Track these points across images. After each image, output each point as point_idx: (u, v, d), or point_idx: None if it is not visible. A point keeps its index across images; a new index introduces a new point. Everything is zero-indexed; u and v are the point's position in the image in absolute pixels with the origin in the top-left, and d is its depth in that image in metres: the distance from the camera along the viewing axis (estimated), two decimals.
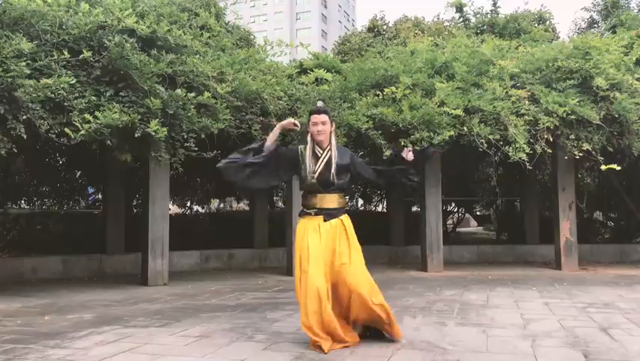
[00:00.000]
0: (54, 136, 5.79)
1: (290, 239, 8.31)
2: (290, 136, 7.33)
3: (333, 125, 4.08)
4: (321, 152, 3.96)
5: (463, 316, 5.11)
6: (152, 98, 6.07)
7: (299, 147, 4.08)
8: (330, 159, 3.92)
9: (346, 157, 4.04)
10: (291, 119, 4.05)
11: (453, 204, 14.32)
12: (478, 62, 8.76)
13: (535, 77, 8.43)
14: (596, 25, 14.26)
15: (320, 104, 4.26)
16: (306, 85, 8.32)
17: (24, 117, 5.52)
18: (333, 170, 3.89)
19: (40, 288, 7.30)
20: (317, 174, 3.89)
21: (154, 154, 6.44)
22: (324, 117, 3.97)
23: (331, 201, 3.92)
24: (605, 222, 13.45)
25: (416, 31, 15.05)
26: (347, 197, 4.11)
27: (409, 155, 4.06)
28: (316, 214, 3.91)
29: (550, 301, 5.99)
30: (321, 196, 3.92)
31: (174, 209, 13.02)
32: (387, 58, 9.65)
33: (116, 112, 5.80)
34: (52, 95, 5.58)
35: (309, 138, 3.99)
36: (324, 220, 3.88)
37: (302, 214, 4.01)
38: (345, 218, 3.97)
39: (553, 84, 8.28)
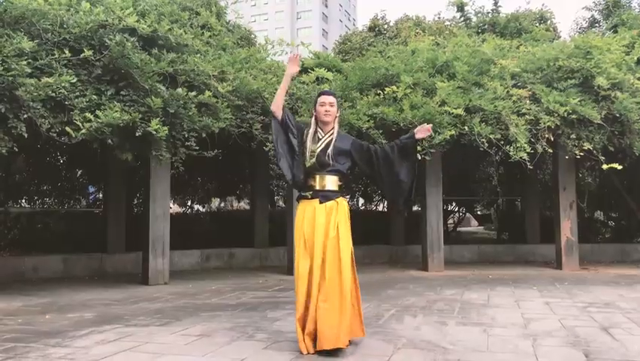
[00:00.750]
0: (55, 135, 5.79)
1: (291, 239, 8.31)
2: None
3: (339, 111, 4.05)
4: (323, 135, 3.92)
5: (463, 315, 5.11)
6: (153, 97, 6.07)
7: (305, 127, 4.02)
8: (330, 142, 3.89)
9: (347, 143, 3.98)
10: (292, 60, 3.84)
11: (454, 204, 14.32)
12: (479, 61, 8.75)
13: (537, 77, 8.42)
14: (597, 25, 14.26)
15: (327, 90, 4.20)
16: (307, 84, 8.31)
17: (25, 116, 5.52)
18: (329, 151, 3.85)
19: (40, 287, 7.30)
20: (316, 153, 3.84)
21: (155, 153, 6.44)
22: (332, 99, 3.94)
23: (328, 182, 3.86)
24: (606, 222, 13.47)
25: (417, 31, 15.02)
26: (344, 182, 3.98)
27: (420, 134, 3.92)
28: (312, 197, 3.86)
29: (551, 300, 5.98)
30: (318, 177, 3.87)
31: (175, 208, 13.03)
32: (388, 57, 9.64)
33: (116, 111, 5.80)
34: (53, 94, 5.58)
35: (312, 121, 3.97)
36: (320, 203, 3.81)
37: (300, 198, 3.96)
38: (342, 201, 3.88)
39: (555, 83, 8.28)
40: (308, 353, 3.60)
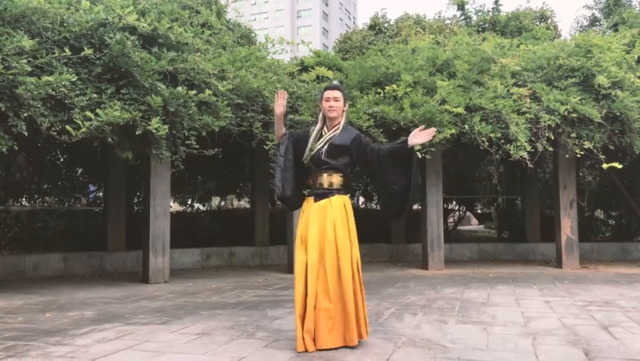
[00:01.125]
0: (55, 133, 5.79)
1: (291, 237, 8.33)
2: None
3: (347, 105, 3.95)
4: (327, 131, 3.85)
5: (463, 314, 5.11)
6: (153, 96, 6.07)
7: (310, 128, 3.99)
8: (331, 139, 3.81)
9: (348, 139, 3.84)
10: (279, 99, 3.82)
11: (454, 202, 14.33)
12: (480, 59, 8.75)
13: (537, 75, 8.43)
14: (597, 23, 14.26)
15: (336, 82, 4.13)
16: (307, 83, 8.31)
17: (25, 115, 5.52)
18: (324, 148, 3.78)
19: (41, 285, 7.31)
20: (313, 152, 3.80)
21: (155, 152, 6.44)
22: (337, 93, 3.83)
23: (323, 180, 3.81)
24: (606, 221, 13.48)
25: (417, 29, 15.02)
26: (345, 180, 3.87)
27: (417, 138, 3.71)
28: (309, 195, 3.86)
29: (551, 299, 5.99)
30: (314, 176, 3.84)
31: (175, 206, 13.03)
32: (389, 56, 9.64)
33: (117, 109, 5.81)
34: (54, 93, 5.58)
35: (319, 117, 3.91)
36: (315, 201, 3.80)
37: (302, 197, 3.97)
38: (337, 199, 3.78)
39: (555, 82, 8.28)
40: (306, 351, 3.60)
